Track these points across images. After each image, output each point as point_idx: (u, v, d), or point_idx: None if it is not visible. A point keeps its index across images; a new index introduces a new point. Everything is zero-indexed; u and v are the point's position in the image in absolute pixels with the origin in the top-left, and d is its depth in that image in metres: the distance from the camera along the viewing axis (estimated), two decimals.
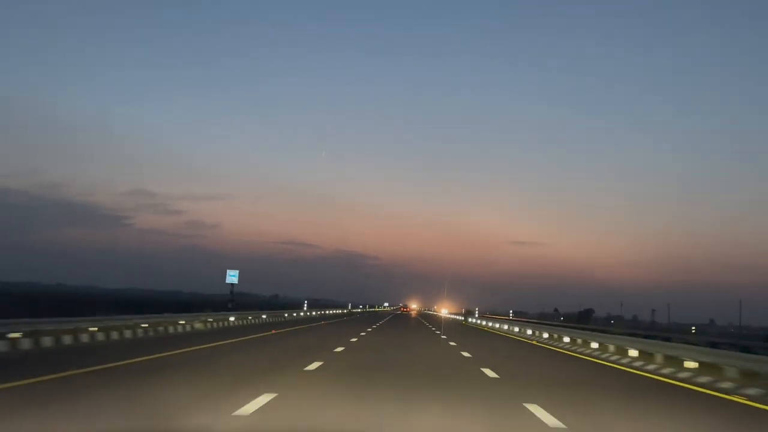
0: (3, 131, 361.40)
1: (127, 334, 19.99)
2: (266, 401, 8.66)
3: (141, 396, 9.02)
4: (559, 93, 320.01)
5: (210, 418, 7.47)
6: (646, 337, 29.78)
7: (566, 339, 25.95)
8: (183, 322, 24.19)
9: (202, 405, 8.31)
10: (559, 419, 8.14)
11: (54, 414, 7.41)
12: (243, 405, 8.20)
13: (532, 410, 8.80)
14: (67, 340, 16.71)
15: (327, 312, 70.13)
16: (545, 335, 29.41)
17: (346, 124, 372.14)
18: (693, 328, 58.67)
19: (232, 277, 42.98)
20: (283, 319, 41.12)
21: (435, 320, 60.96)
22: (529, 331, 32.39)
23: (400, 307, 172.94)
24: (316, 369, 13.20)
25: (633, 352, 19.76)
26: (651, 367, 16.90)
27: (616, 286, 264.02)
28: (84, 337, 17.44)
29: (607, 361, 18.90)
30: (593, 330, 35.72)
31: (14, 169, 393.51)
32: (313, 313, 58.12)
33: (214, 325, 27.38)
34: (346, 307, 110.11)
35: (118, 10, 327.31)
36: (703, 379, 13.93)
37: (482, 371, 14.28)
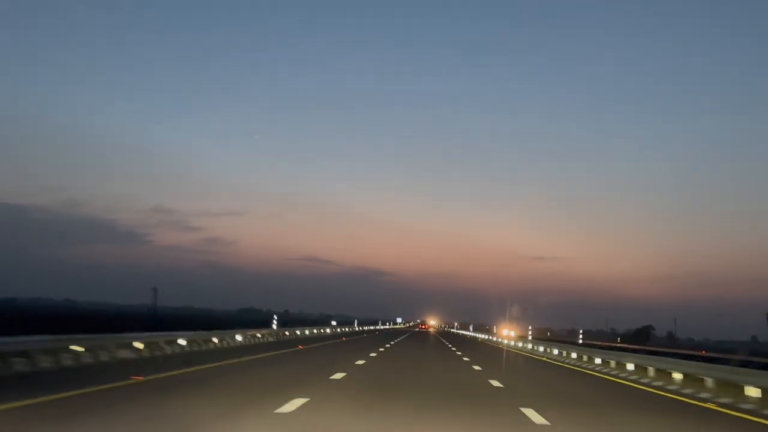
0: (27, 150, 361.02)
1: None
2: None
3: None
4: (578, 108, 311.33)
5: None
6: None
7: (677, 377, 16.06)
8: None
9: None
10: None
11: None
12: None
13: None
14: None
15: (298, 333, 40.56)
16: (630, 366, 19.77)
17: (364, 139, 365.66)
18: None
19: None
20: (229, 344, 25.35)
21: (483, 352, 32.96)
22: (600, 361, 22.47)
23: (419, 324, 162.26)
24: None
25: None
26: None
27: (640, 302, 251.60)
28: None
29: None
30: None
31: (37, 187, 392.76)
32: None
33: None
34: (351, 325, 76.27)
35: (138, 32, 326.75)
36: None
37: None
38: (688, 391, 14.62)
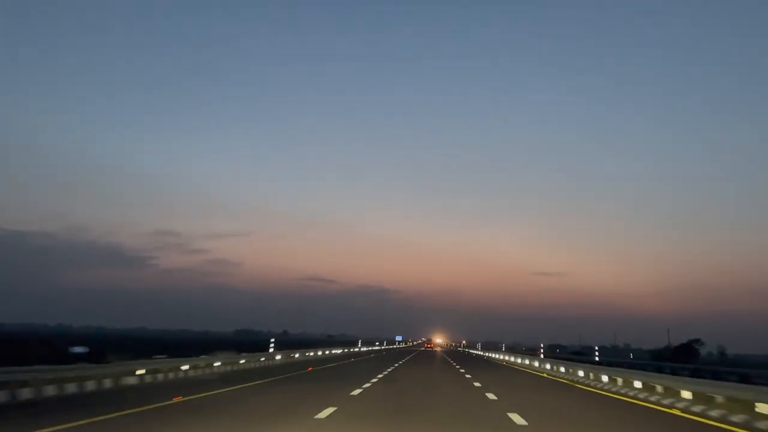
0: (30, 177, 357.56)
1: None
2: None
3: None
4: (581, 126, 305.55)
5: None
6: None
7: None
8: None
9: None
10: None
11: None
12: None
13: None
14: None
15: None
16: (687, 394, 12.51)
17: (368, 159, 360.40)
18: None
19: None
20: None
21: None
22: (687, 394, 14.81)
23: (424, 343, 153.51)
24: None
25: None
26: None
27: (642, 315, 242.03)
28: None
29: None
30: None
31: (43, 213, 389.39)
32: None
33: None
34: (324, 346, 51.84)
35: (138, 57, 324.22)
36: None
37: None
38: None
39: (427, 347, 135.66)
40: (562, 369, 29.55)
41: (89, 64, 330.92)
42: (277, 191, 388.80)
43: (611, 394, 18.99)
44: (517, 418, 11.75)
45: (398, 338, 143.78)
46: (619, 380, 21.21)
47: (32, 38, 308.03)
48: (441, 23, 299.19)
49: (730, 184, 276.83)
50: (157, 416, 10.79)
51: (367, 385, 18.93)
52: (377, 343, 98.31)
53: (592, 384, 22.92)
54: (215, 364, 24.13)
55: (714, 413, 13.46)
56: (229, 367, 25.13)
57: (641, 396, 17.81)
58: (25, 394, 12.98)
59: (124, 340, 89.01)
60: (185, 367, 21.20)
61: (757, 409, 12.71)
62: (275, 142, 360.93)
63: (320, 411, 11.80)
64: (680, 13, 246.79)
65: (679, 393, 16.33)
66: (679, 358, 53.58)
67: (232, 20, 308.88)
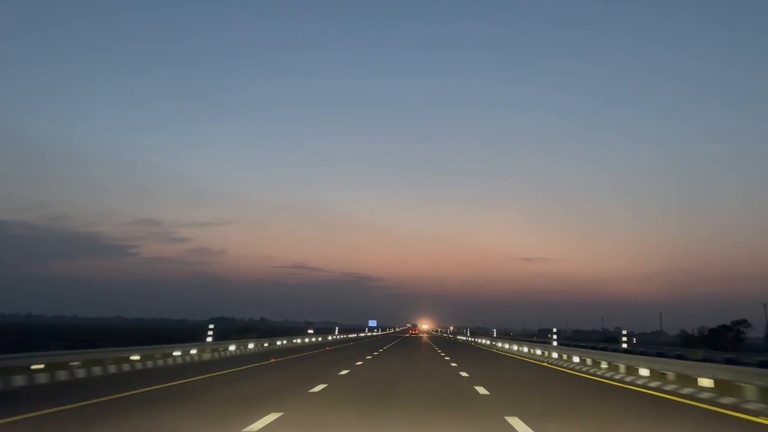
0: (11, 165, 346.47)
1: None
2: None
3: None
4: (566, 110, 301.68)
5: None
6: None
7: None
8: None
9: None
10: None
11: None
12: None
13: None
14: None
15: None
16: None
17: (351, 146, 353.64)
18: None
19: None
20: None
21: None
22: None
23: (409, 330, 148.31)
24: None
25: None
26: None
27: (629, 300, 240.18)
28: None
29: None
30: None
31: (22, 203, 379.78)
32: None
33: None
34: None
35: (119, 45, 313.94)
36: None
37: None
38: None
39: (412, 333, 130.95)
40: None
41: (70, 52, 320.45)
42: (260, 180, 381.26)
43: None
44: None
45: (371, 323, 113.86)
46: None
47: (11, 26, 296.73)
48: (426, 11, 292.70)
49: (719, 169, 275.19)
50: None
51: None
52: (310, 332, 57.70)
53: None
54: None
55: None
56: None
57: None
58: None
59: (97, 331, 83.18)
60: None
61: None
62: (258, 131, 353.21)
63: None
64: None
65: None
66: (720, 345, 45.96)
67: (212, 10, 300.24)
